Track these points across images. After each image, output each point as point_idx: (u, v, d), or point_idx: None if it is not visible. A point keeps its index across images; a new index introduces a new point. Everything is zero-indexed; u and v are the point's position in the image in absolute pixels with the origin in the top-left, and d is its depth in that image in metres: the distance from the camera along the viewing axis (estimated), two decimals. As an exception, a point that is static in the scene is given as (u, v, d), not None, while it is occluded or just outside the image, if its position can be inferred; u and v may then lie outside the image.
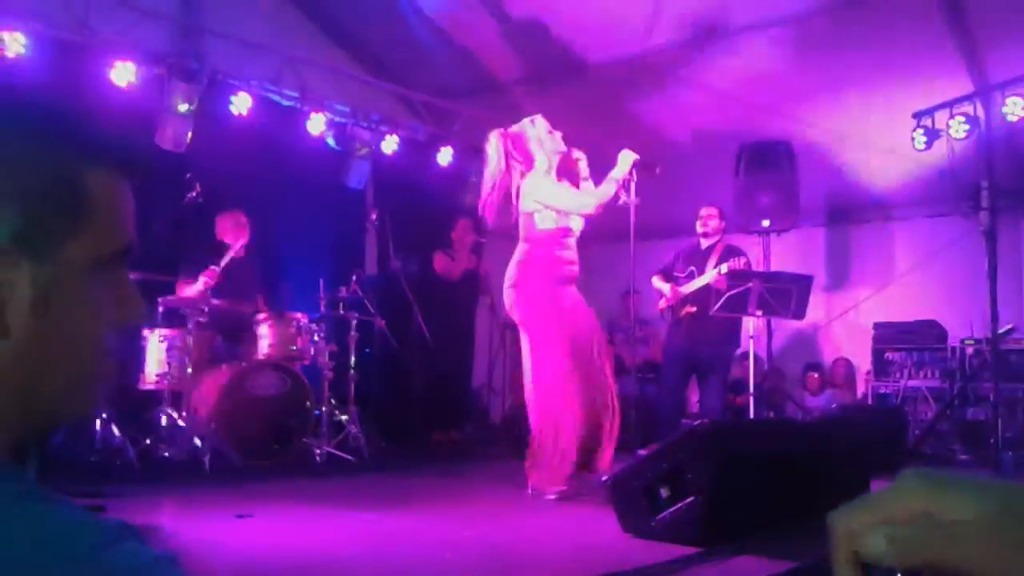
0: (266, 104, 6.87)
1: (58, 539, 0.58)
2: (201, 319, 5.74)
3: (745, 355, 6.60)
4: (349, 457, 5.91)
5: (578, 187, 4.86)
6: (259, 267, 6.49)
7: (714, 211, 6.49)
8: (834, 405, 7.80)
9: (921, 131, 6.62)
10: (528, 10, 7.04)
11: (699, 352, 6.29)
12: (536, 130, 4.78)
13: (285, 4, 7.59)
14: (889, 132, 7.11)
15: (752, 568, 2.98)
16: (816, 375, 8.28)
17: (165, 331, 5.73)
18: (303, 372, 5.97)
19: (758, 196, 7.38)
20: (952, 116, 6.47)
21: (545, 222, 4.71)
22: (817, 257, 8.70)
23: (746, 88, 7.27)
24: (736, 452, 3.48)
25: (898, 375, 7.65)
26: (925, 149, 6.65)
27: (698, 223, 6.49)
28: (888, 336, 7.83)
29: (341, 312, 6.38)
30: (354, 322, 6.33)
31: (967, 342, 7.38)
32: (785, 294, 5.88)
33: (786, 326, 7.98)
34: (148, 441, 5.39)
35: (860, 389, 8.22)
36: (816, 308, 8.02)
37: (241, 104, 6.53)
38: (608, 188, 4.71)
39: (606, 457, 4.49)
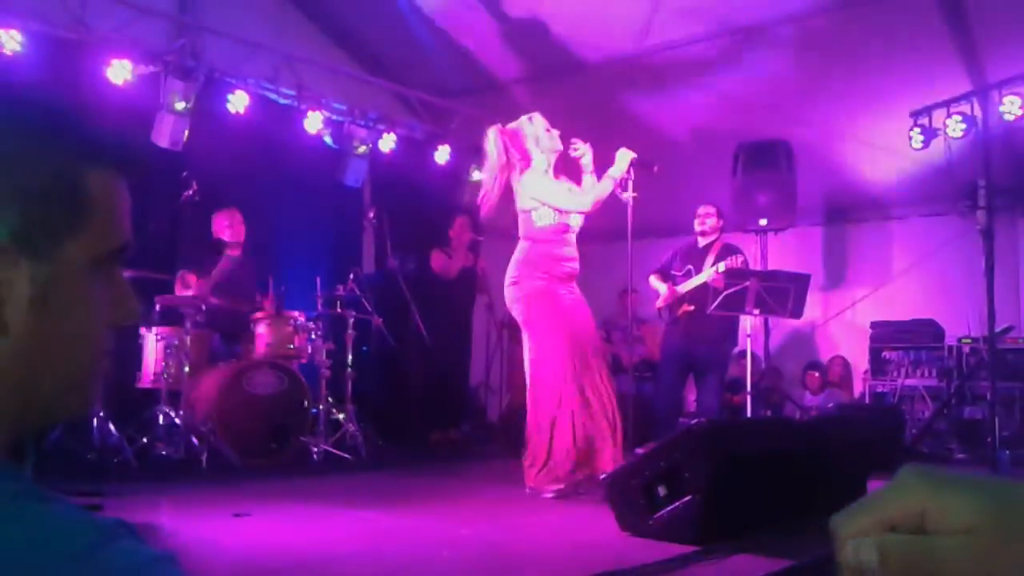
0: (263, 102, 6.87)
1: (55, 538, 0.57)
2: (199, 318, 5.73)
3: (742, 354, 6.61)
4: (346, 456, 5.91)
5: (581, 180, 4.85)
6: (256, 266, 6.47)
7: (712, 210, 6.49)
8: (831, 404, 7.81)
9: (918, 130, 6.62)
10: (526, 9, 7.04)
11: (696, 351, 6.29)
12: (534, 128, 4.78)
13: (283, 2, 7.58)
14: (886, 131, 7.12)
15: (749, 567, 2.98)
16: (816, 374, 8.29)
17: (163, 330, 5.72)
18: (300, 371, 5.97)
19: (756, 195, 7.38)
20: (949, 115, 6.47)
21: (543, 219, 4.72)
22: (814, 256, 8.71)
23: (744, 87, 7.27)
24: (733, 451, 3.48)
25: (895, 374, 7.66)
26: (922, 148, 6.66)
27: (696, 222, 6.49)
28: (885, 335, 7.84)
29: (338, 310, 6.37)
30: (351, 320, 6.32)
31: (964, 341, 7.39)
32: (783, 293, 5.89)
33: (783, 325, 7.99)
34: (145, 440, 5.39)
35: (857, 388, 8.23)
36: (813, 307, 8.03)
37: (238, 102, 6.53)
38: (605, 186, 4.71)
39: (606, 457, 4.48)
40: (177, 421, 5.44)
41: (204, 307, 5.75)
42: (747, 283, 5.85)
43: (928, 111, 6.58)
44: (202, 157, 6.46)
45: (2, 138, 0.65)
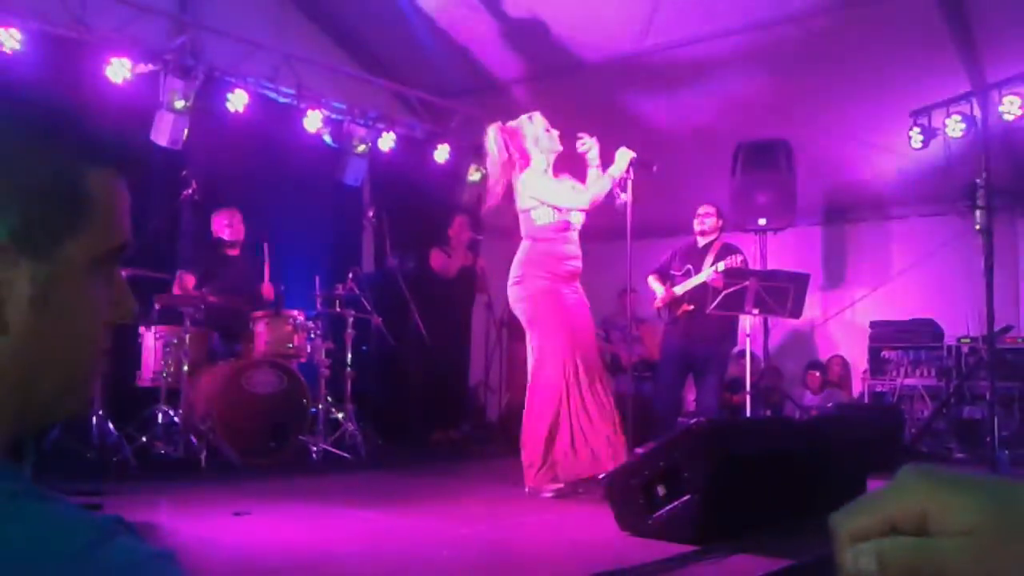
0: (263, 101, 6.86)
1: (54, 537, 0.57)
2: (198, 317, 5.73)
3: (742, 353, 6.60)
4: (346, 455, 5.91)
5: (586, 174, 4.83)
6: (254, 264, 6.46)
7: (711, 209, 6.49)
8: (830, 404, 7.81)
9: (918, 130, 6.62)
10: (526, 9, 7.03)
11: (695, 350, 6.29)
12: (534, 127, 4.77)
13: (282, 2, 7.58)
14: (886, 131, 7.12)
15: (749, 566, 2.98)
16: (817, 374, 8.28)
17: (162, 329, 5.72)
18: (300, 370, 5.96)
19: (755, 194, 7.38)
20: (949, 115, 6.47)
21: (542, 218, 4.72)
22: (814, 256, 8.71)
23: (744, 87, 7.27)
24: (733, 451, 3.48)
25: (894, 373, 7.67)
26: (922, 148, 6.66)
27: (695, 221, 6.49)
28: (884, 335, 7.84)
29: (338, 309, 6.37)
30: (351, 319, 6.32)
31: (963, 340, 7.39)
32: (782, 292, 5.89)
33: (783, 324, 7.99)
34: (145, 439, 5.39)
35: (856, 388, 8.24)
36: (813, 307, 8.04)
37: (238, 101, 6.52)
38: (604, 184, 4.71)
39: (605, 458, 4.47)
40: (176, 420, 5.44)
41: (203, 306, 5.75)
42: (746, 283, 5.85)
43: (928, 111, 6.57)
44: (202, 156, 6.46)
45: (2, 137, 0.65)
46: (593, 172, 4.79)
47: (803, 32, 6.57)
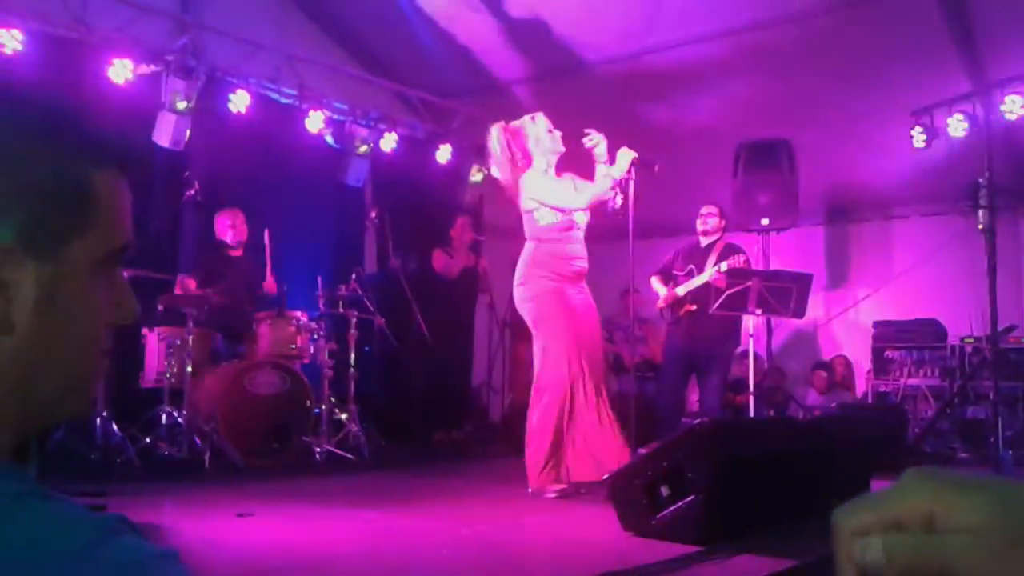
0: (265, 102, 6.87)
1: (58, 536, 0.57)
2: (201, 317, 5.73)
3: (745, 354, 6.60)
4: (349, 456, 5.91)
5: (594, 171, 4.81)
6: (257, 264, 6.47)
7: (714, 210, 6.49)
8: (833, 404, 7.80)
9: (920, 129, 6.62)
10: (527, 9, 7.03)
11: (699, 350, 6.29)
12: (536, 128, 4.77)
13: (284, 2, 7.58)
14: (888, 130, 7.11)
15: (753, 567, 2.98)
16: (824, 374, 8.24)
17: (165, 330, 5.73)
18: (303, 371, 5.97)
19: (757, 195, 7.37)
20: (951, 114, 6.46)
21: (545, 218, 4.72)
22: (816, 256, 8.70)
23: (746, 87, 7.26)
24: (736, 451, 3.48)
25: (898, 374, 7.66)
26: (924, 148, 6.65)
27: (698, 221, 6.48)
28: (888, 334, 7.83)
29: (341, 310, 6.37)
30: (354, 320, 6.32)
31: (967, 340, 7.38)
32: (785, 292, 5.88)
33: (786, 325, 7.98)
34: (148, 439, 5.39)
35: (860, 388, 8.23)
36: (816, 307, 8.02)
37: (240, 102, 6.53)
38: (604, 184, 4.70)
39: (609, 458, 4.47)
40: (180, 421, 5.44)
41: (206, 306, 5.75)
42: (749, 283, 5.85)
43: (929, 111, 6.57)
44: (204, 157, 6.46)
45: (7, 139, 0.65)
46: (601, 168, 4.76)
47: (804, 32, 6.56)
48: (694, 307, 6.25)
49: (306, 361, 6.11)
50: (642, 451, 3.90)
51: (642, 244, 5.12)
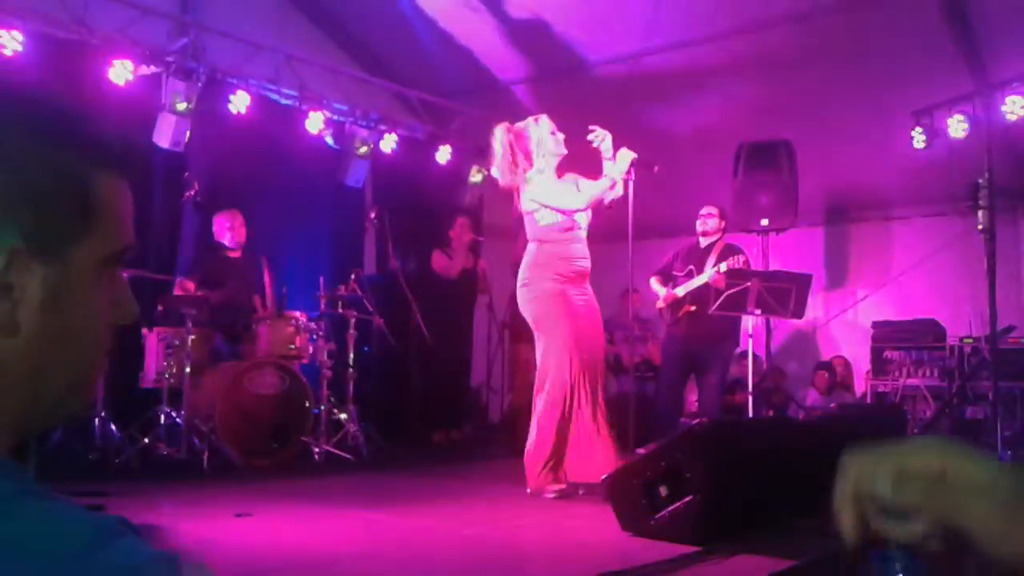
0: (265, 103, 6.87)
1: (57, 536, 0.58)
2: (200, 318, 5.73)
3: (744, 354, 6.60)
4: (348, 456, 5.91)
5: (598, 170, 4.81)
6: (257, 266, 6.48)
7: (714, 210, 6.49)
8: (833, 404, 7.80)
9: (920, 130, 6.62)
10: (528, 10, 7.04)
11: (698, 351, 6.29)
12: (539, 130, 4.77)
13: (284, 3, 7.59)
14: (888, 131, 7.11)
15: (751, 566, 2.98)
16: (826, 374, 8.23)
17: (164, 330, 5.73)
18: (302, 371, 5.97)
19: (757, 195, 7.37)
20: (951, 115, 6.47)
21: (545, 219, 4.72)
22: (816, 256, 8.70)
23: (746, 87, 7.27)
24: (735, 451, 3.48)
25: (897, 374, 7.66)
26: (924, 148, 6.65)
27: (698, 222, 6.49)
28: (887, 335, 7.83)
29: (340, 311, 6.37)
30: (353, 321, 6.32)
31: (966, 340, 7.38)
32: (784, 293, 5.88)
33: (785, 325, 7.98)
34: (147, 440, 5.39)
35: (859, 388, 8.23)
36: (815, 307, 8.03)
37: (239, 103, 6.53)
38: (603, 184, 4.70)
39: (608, 459, 4.47)
40: (179, 421, 5.44)
41: (206, 307, 5.75)
42: (748, 283, 5.85)
43: (930, 111, 6.58)
44: (204, 158, 6.47)
45: (14, 141, 0.66)
46: (608, 165, 4.77)
47: (805, 32, 6.57)
48: (693, 308, 6.26)
49: (305, 361, 6.11)
50: (641, 451, 3.90)
51: (642, 245, 5.13)
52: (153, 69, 6.14)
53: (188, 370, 5.50)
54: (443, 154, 7.91)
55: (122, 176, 0.72)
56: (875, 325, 8.00)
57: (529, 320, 4.73)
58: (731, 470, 3.37)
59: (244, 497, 4.28)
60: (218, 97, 6.47)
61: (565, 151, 4.79)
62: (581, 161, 4.86)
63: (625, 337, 7.84)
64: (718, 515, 3.29)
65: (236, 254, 6.26)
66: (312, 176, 7.38)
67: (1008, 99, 6.21)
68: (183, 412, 5.43)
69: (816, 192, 8.12)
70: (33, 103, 0.69)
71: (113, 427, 5.25)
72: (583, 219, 4.78)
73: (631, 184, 4.76)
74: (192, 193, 5.95)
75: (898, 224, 8.58)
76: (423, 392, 7.41)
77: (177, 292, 5.92)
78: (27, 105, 0.69)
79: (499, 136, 4.77)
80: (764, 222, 7.38)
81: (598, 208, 4.80)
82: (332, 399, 6.21)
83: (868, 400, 7.80)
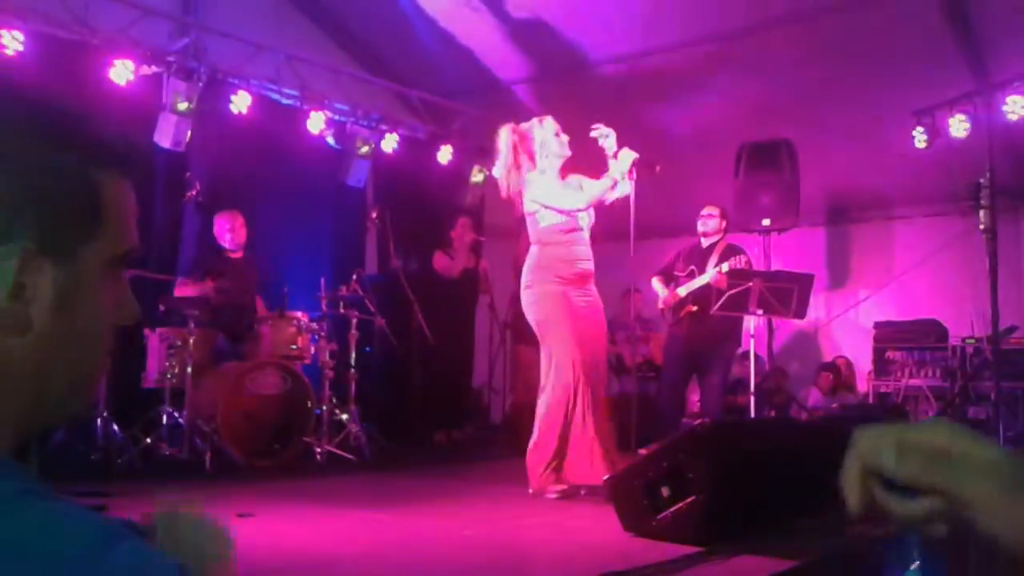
0: (266, 103, 6.87)
1: (62, 537, 0.58)
2: (202, 318, 5.74)
3: (746, 354, 6.60)
4: (350, 456, 5.91)
5: (603, 168, 4.79)
6: (259, 267, 6.48)
7: (715, 211, 6.48)
8: (835, 405, 7.79)
9: (921, 130, 6.62)
10: (529, 9, 7.04)
11: (700, 351, 6.29)
12: (543, 132, 4.77)
13: (285, 3, 7.59)
14: (889, 130, 7.11)
15: (753, 567, 2.98)
16: (829, 375, 8.21)
17: (166, 330, 5.73)
18: (304, 371, 5.97)
19: (759, 195, 7.37)
20: (952, 115, 6.46)
21: (546, 220, 4.72)
22: (818, 256, 8.70)
23: (747, 87, 7.26)
24: (737, 451, 3.48)
25: (899, 374, 7.65)
26: (925, 148, 6.65)
27: (699, 222, 6.48)
28: (889, 335, 7.83)
29: (342, 311, 6.37)
30: (355, 321, 6.32)
31: (968, 341, 7.38)
32: (786, 293, 5.88)
33: (787, 325, 7.98)
34: (149, 440, 5.39)
35: (861, 388, 8.22)
36: (817, 307, 8.02)
37: (241, 103, 6.52)
38: (604, 184, 4.69)
39: (610, 461, 4.47)
40: (181, 421, 5.45)
41: (208, 305, 5.76)
42: (750, 283, 5.84)
43: (931, 111, 6.57)
44: (205, 158, 6.47)
45: (24, 144, 0.66)
46: (612, 163, 4.77)
47: (806, 32, 6.56)
48: (695, 308, 6.25)
49: (307, 362, 6.11)
50: (643, 452, 3.90)
51: (643, 245, 5.13)
52: (154, 69, 6.14)
53: (190, 370, 5.50)
54: (444, 154, 7.91)
55: (127, 178, 0.73)
56: (877, 325, 7.99)
57: (532, 322, 4.73)
58: (733, 471, 3.37)
59: (246, 497, 4.28)
60: (219, 97, 6.47)
61: (569, 153, 4.79)
62: (582, 161, 4.86)
63: (627, 337, 7.84)
64: (720, 515, 3.29)
65: (237, 254, 6.26)
66: (313, 176, 7.38)
67: (1009, 99, 6.21)
68: (185, 412, 5.43)
69: (817, 192, 8.12)
70: (40, 105, 0.70)
71: (115, 427, 5.25)
72: (585, 220, 4.78)
73: (633, 184, 4.75)
74: (193, 193, 5.95)
75: (900, 224, 8.58)
76: (425, 392, 7.41)
77: (177, 292, 5.92)
78: (35, 107, 0.70)
79: (504, 136, 4.77)
80: (766, 222, 7.38)
81: (600, 208, 4.80)
82: (334, 399, 6.21)
83: (870, 400, 7.80)
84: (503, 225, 7.01)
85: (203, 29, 6.61)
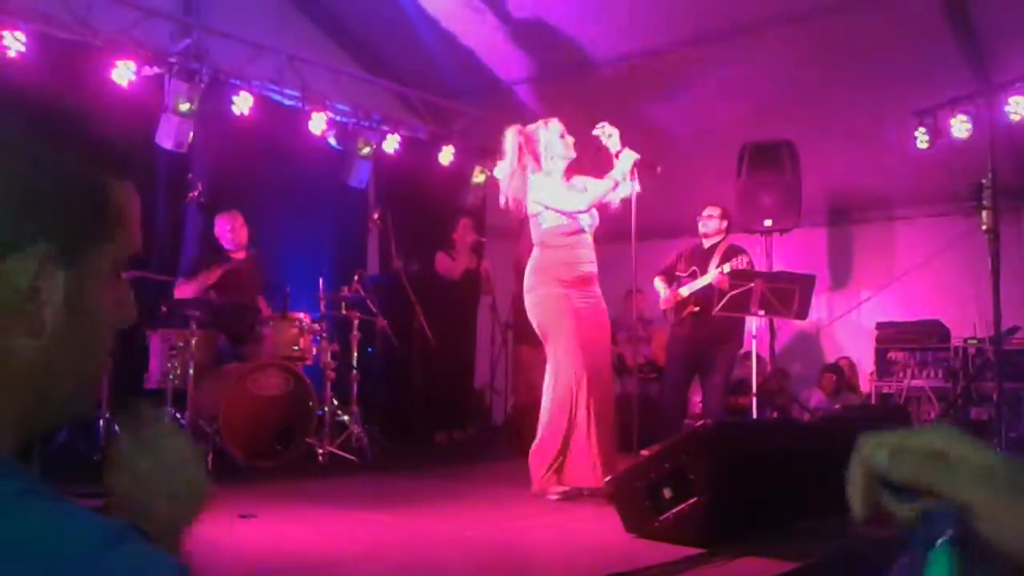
0: (267, 104, 6.87)
1: (64, 537, 0.58)
2: (204, 319, 5.74)
3: (748, 355, 6.59)
4: (352, 457, 5.91)
5: (607, 168, 4.79)
6: (261, 267, 6.48)
7: (715, 211, 6.47)
8: (837, 406, 7.79)
9: (923, 130, 6.61)
10: (530, 10, 7.04)
11: (702, 351, 6.28)
12: (548, 133, 4.77)
13: (286, 4, 7.60)
14: (891, 131, 7.10)
15: (755, 569, 2.98)
16: (833, 376, 8.20)
17: (168, 331, 5.73)
18: (306, 372, 5.97)
19: (760, 195, 7.36)
20: (954, 115, 6.46)
21: (548, 221, 4.72)
22: (819, 257, 8.69)
23: (749, 87, 7.26)
24: (739, 452, 3.48)
25: (901, 375, 7.64)
26: (927, 148, 6.64)
27: (699, 223, 6.48)
28: (891, 336, 7.82)
29: (343, 312, 6.37)
30: (356, 322, 6.32)
31: (970, 341, 7.37)
32: (788, 294, 5.87)
33: (789, 326, 7.97)
34: (150, 441, 5.38)
35: (863, 389, 8.21)
36: (819, 308, 8.01)
37: (243, 104, 6.53)
38: (605, 185, 4.69)
39: (611, 462, 4.47)
40: (183, 422, 5.44)
41: (210, 306, 5.76)
42: (752, 284, 5.84)
43: (933, 111, 6.57)
44: (207, 159, 6.47)
45: (43, 150, 0.68)
46: (616, 162, 4.76)
47: (808, 32, 6.56)
48: (697, 308, 6.25)
49: (309, 363, 6.11)
50: (645, 453, 3.89)
51: (645, 245, 5.13)
52: (156, 70, 6.14)
53: (192, 371, 5.50)
54: (446, 155, 7.90)
55: (132, 182, 0.75)
56: (879, 326, 7.98)
57: (534, 324, 4.73)
58: (735, 472, 3.36)
59: (248, 498, 4.28)
60: (221, 98, 6.47)
61: (574, 154, 4.79)
62: (582, 161, 4.86)
63: (629, 338, 7.83)
64: (722, 517, 3.28)
65: (239, 254, 6.26)
66: (315, 177, 7.38)
67: (1012, 99, 6.20)
68: (187, 413, 5.43)
69: (819, 192, 8.11)
70: (56, 110, 0.71)
71: (117, 428, 5.25)
72: (587, 221, 4.77)
73: (638, 183, 4.74)
74: (195, 194, 5.95)
75: (901, 224, 8.57)
76: (426, 393, 7.41)
77: (177, 293, 5.92)
78: (50, 112, 0.71)
79: (510, 138, 4.77)
80: (767, 223, 7.37)
81: (604, 209, 4.80)
82: (336, 400, 6.21)
83: (872, 401, 7.79)
84: (504, 226, 7.01)
85: (205, 30, 6.62)
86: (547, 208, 4.71)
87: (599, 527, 3.69)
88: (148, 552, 0.60)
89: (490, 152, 7.59)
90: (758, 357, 6.36)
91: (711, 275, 6.13)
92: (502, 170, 4.83)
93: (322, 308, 6.35)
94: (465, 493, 4.85)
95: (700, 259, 6.37)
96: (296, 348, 5.97)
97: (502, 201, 4.85)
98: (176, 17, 6.73)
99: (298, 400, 5.74)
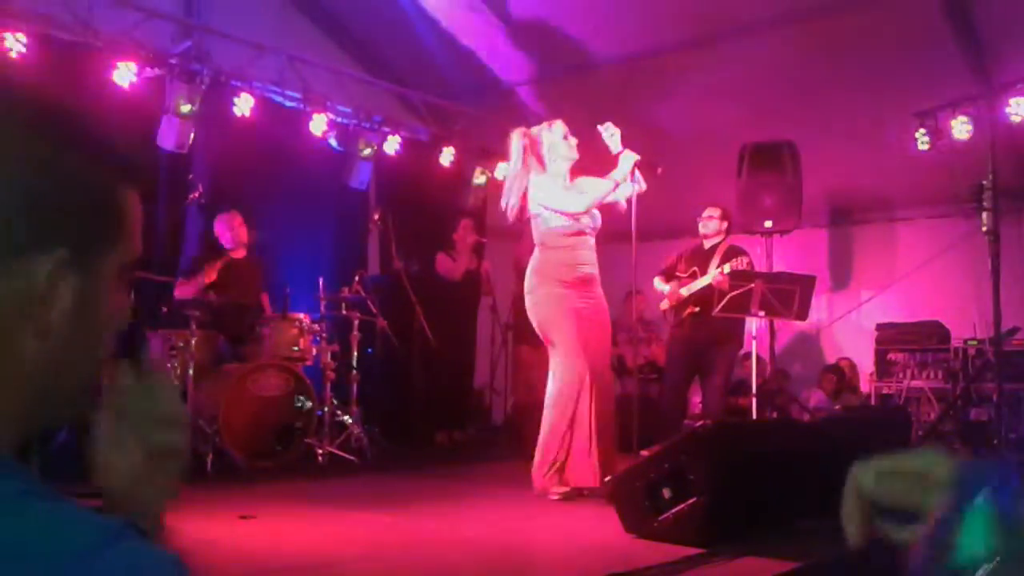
0: (268, 105, 6.87)
1: (62, 536, 0.58)
2: (204, 320, 5.74)
3: (748, 356, 6.59)
4: (352, 458, 5.91)
5: (613, 161, 4.79)
6: (261, 268, 6.48)
7: (715, 212, 6.47)
8: (837, 406, 7.78)
9: (924, 131, 6.61)
10: (531, 11, 7.04)
11: (702, 352, 6.28)
12: (551, 135, 4.78)
13: (287, 5, 7.60)
14: (892, 132, 7.10)
15: (755, 568, 2.98)
16: (834, 377, 8.19)
17: (168, 332, 5.73)
18: (305, 373, 5.97)
19: (761, 196, 7.36)
20: (955, 116, 6.45)
21: (549, 222, 4.72)
22: (820, 257, 8.69)
23: (749, 88, 7.26)
24: (739, 453, 3.48)
25: (901, 376, 7.64)
26: (928, 149, 6.64)
27: (699, 224, 6.48)
28: (891, 336, 7.82)
29: (344, 312, 6.38)
30: (357, 322, 6.32)
31: (970, 342, 7.37)
32: (788, 294, 5.87)
33: (789, 327, 7.97)
34: (151, 441, 5.38)
35: (863, 390, 8.21)
36: (819, 309, 8.01)
37: (244, 105, 6.53)
38: (605, 186, 4.69)
39: (612, 463, 4.48)
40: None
41: (208, 305, 5.76)
42: (752, 285, 5.84)
43: (933, 112, 6.56)
44: (208, 160, 6.48)
45: (64, 158, 0.68)
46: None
47: (808, 32, 6.56)
48: (697, 309, 6.25)
49: (309, 363, 6.11)
50: (644, 453, 3.90)
51: (645, 246, 5.13)
52: (157, 71, 6.14)
53: (192, 372, 5.50)
54: (446, 156, 7.91)
55: (136, 188, 0.76)
56: (879, 327, 7.98)
57: (535, 325, 4.73)
58: (735, 472, 3.37)
59: (248, 499, 4.29)
60: (222, 99, 6.48)
61: (577, 156, 4.79)
62: (583, 162, 4.87)
63: (629, 338, 7.83)
64: (722, 517, 3.29)
65: (239, 254, 6.27)
66: (316, 178, 7.39)
67: (1013, 100, 6.20)
68: (187, 414, 5.42)
69: (820, 193, 8.11)
70: (59, 113, 0.72)
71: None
72: (588, 222, 4.77)
73: (640, 183, 4.75)
74: (196, 195, 5.96)
75: (902, 225, 8.57)
76: (426, 394, 7.41)
77: (176, 293, 5.92)
78: (55, 116, 0.71)
79: (515, 140, 4.78)
80: (768, 223, 7.36)
81: (612, 210, 4.80)
82: (336, 401, 6.21)
83: (872, 402, 7.79)
84: (505, 226, 7.00)
85: (206, 31, 6.62)
86: (547, 208, 4.71)
87: (599, 527, 3.69)
88: (146, 550, 0.61)
89: (491, 153, 7.60)
90: (758, 358, 6.36)
91: (711, 276, 6.13)
92: (507, 173, 4.84)
93: (322, 308, 6.36)
94: (465, 493, 4.85)
95: (700, 260, 6.37)
96: (296, 348, 5.98)
97: (504, 204, 4.86)
98: (177, 18, 6.74)
99: (298, 400, 5.75)
